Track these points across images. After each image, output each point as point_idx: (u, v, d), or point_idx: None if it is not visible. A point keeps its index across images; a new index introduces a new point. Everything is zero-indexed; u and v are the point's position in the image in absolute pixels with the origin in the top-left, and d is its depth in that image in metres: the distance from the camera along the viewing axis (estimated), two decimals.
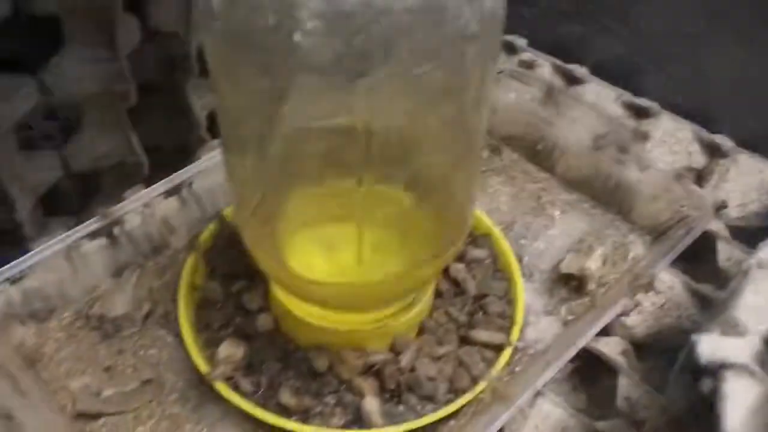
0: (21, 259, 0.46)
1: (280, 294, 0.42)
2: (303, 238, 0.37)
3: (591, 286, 0.49)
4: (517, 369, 0.45)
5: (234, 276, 0.46)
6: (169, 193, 0.51)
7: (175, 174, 0.52)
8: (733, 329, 0.32)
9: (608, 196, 0.56)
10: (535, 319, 0.48)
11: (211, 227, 0.49)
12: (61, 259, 0.48)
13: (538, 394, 0.44)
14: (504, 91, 0.60)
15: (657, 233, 0.53)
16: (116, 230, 0.50)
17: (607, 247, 0.51)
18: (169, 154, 0.61)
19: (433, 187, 0.34)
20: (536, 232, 0.54)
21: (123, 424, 0.42)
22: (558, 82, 0.68)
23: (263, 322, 0.44)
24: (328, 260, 0.36)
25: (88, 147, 0.55)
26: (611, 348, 0.47)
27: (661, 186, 0.53)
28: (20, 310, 0.46)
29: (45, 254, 0.47)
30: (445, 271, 0.47)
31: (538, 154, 0.59)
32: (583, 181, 0.57)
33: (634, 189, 0.54)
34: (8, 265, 0.46)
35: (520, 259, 0.51)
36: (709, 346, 0.26)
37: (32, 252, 0.47)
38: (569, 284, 0.50)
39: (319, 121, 0.30)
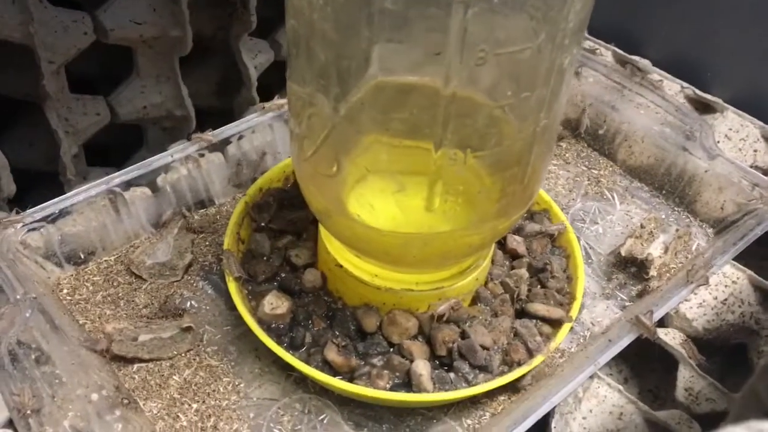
0: (60, 198, 0.45)
1: (332, 249, 0.40)
2: (367, 186, 0.35)
3: (652, 272, 0.47)
4: (573, 349, 0.43)
5: (281, 231, 0.45)
6: (216, 147, 0.50)
7: (223, 128, 0.50)
8: None
9: (671, 185, 0.53)
10: (592, 302, 0.46)
11: (260, 182, 0.47)
12: (104, 203, 0.46)
13: (593, 376, 0.42)
14: None
15: (721, 226, 0.51)
16: (160, 180, 0.48)
17: (669, 236, 0.49)
18: (216, 112, 0.60)
19: (509, 152, 0.32)
20: (594, 216, 0.52)
21: (158, 372, 0.40)
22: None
23: (311, 277, 0.42)
24: (394, 209, 0.34)
25: (137, 95, 0.54)
26: (671, 338, 0.44)
27: (728, 177, 0.50)
28: (58, 251, 0.45)
29: (86, 195, 0.45)
30: (503, 243, 0.45)
31: (600, 138, 0.57)
32: (646, 168, 0.54)
33: (700, 179, 0.52)
34: (47, 203, 0.44)
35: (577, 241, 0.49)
36: None
37: (72, 192, 0.45)
38: (628, 269, 0.48)
39: (406, 57, 0.28)
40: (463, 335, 0.39)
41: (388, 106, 0.30)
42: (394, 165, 0.32)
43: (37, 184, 0.55)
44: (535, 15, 0.28)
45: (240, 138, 0.50)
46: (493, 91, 0.29)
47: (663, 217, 0.52)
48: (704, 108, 0.61)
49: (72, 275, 0.45)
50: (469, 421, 0.39)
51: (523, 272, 0.43)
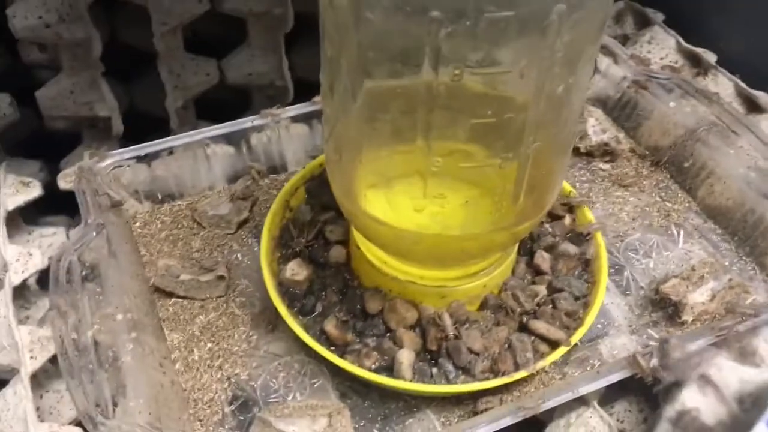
0: (151, 143, 0.51)
1: (354, 230, 0.43)
2: (363, 178, 0.37)
3: (686, 317, 0.45)
4: (576, 373, 0.43)
5: (326, 206, 0.48)
6: (298, 119, 0.54)
7: (309, 102, 0.54)
8: None
9: (744, 233, 0.50)
10: (616, 333, 0.45)
11: (322, 158, 0.50)
12: (188, 154, 0.52)
13: (588, 405, 0.42)
14: (664, 98, 0.56)
15: None
16: (243, 141, 0.53)
17: (720, 284, 0.46)
18: (314, 87, 0.64)
19: (495, 170, 0.33)
20: (650, 249, 0.50)
21: (189, 309, 0.45)
22: (737, 106, 0.62)
23: (336, 253, 0.45)
24: (385, 204, 0.36)
25: (245, 62, 0.59)
26: None
27: None
28: (141, 188, 0.51)
29: (174, 144, 0.51)
30: (531, 257, 0.46)
31: (683, 171, 0.55)
32: (723, 210, 0.52)
33: None
34: (139, 146, 0.51)
35: (620, 271, 0.48)
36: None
37: (163, 140, 0.51)
38: (665, 309, 0.46)
39: (390, 65, 0.30)
40: (456, 335, 0.41)
41: (377, 110, 0.32)
42: (385, 165, 0.34)
43: (154, 127, 0.62)
44: (514, 42, 0.28)
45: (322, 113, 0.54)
46: (472, 108, 0.30)
47: (726, 264, 0.49)
48: None
49: (148, 212, 0.51)
50: (444, 418, 0.41)
51: (542, 289, 0.44)
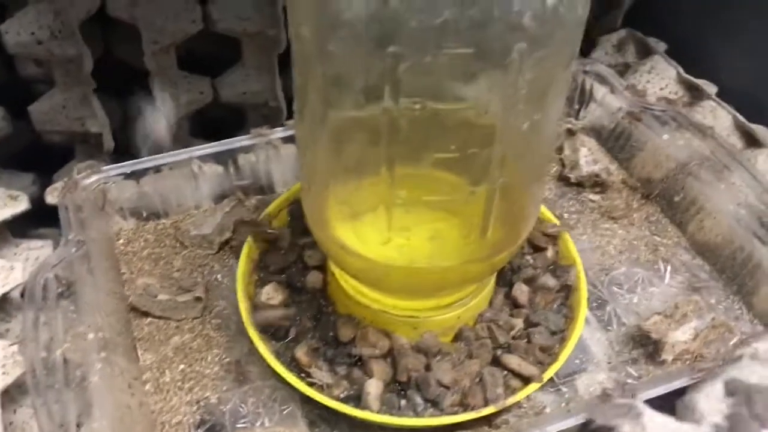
0: (138, 160, 0.51)
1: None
2: (331, 209, 0.36)
3: (666, 356, 0.44)
4: (546, 410, 0.42)
5: (306, 230, 0.47)
6: (288, 140, 0.54)
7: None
8: None
9: (733, 271, 0.49)
10: (594, 369, 0.44)
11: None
12: (176, 173, 0.52)
13: None
14: (658, 131, 0.55)
15: None
16: (230, 161, 0.53)
17: (703, 323, 0.45)
18: None
19: (462, 203, 0.33)
20: (635, 284, 0.49)
21: (164, 330, 0.45)
22: (735, 140, 0.61)
23: (313, 278, 0.44)
24: (352, 235, 0.36)
25: (239, 81, 0.59)
26: None
27: None
28: (126, 206, 0.51)
29: (161, 162, 0.51)
30: (509, 289, 0.45)
31: (674, 206, 0.54)
32: (712, 246, 0.51)
33: (763, 271, 0.47)
34: (128, 162, 0.51)
35: (603, 305, 0.48)
36: None
37: (151, 157, 0.51)
38: (646, 346, 0.45)
39: (353, 96, 0.30)
40: (427, 367, 0.40)
41: (342, 141, 0.32)
42: (352, 196, 0.34)
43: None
44: (476, 79, 0.28)
45: None
46: (434, 142, 0.30)
47: (713, 302, 0.48)
48: None
49: (132, 229, 0.51)
50: None
51: (518, 322, 0.43)
